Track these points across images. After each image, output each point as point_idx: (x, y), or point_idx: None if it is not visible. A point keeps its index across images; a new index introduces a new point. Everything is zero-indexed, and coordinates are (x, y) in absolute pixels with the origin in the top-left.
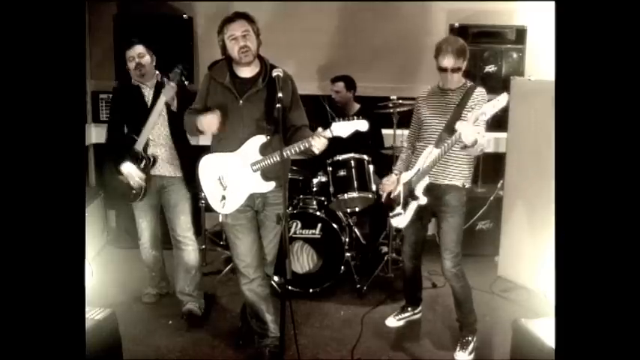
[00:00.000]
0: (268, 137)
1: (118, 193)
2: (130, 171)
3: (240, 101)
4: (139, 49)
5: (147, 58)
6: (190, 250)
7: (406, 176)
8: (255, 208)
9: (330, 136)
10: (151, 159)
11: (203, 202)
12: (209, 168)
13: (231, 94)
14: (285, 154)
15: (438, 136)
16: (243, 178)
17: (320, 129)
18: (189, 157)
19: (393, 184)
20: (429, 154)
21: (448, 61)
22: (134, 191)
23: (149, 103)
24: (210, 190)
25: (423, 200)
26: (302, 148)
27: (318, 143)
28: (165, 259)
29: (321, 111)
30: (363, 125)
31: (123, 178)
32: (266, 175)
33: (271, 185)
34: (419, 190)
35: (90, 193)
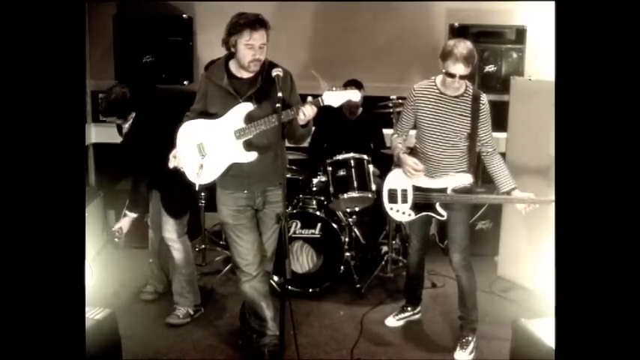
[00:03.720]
0: (255, 106)
1: None
2: None
3: (241, 101)
4: (113, 119)
5: (120, 121)
6: (174, 251)
7: (425, 182)
8: (255, 206)
9: (321, 104)
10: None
11: (203, 201)
12: (189, 134)
13: (231, 95)
14: (272, 121)
15: (457, 165)
16: (224, 146)
17: (310, 98)
18: (164, 185)
19: (416, 159)
20: (461, 179)
21: (458, 68)
22: None
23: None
24: (187, 158)
25: (445, 215)
26: (290, 115)
27: (307, 109)
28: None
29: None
30: (355, 95)
31: None
32: (248, 144)
33: (253, 155)
34: (440, 208)
35: (90, 193)
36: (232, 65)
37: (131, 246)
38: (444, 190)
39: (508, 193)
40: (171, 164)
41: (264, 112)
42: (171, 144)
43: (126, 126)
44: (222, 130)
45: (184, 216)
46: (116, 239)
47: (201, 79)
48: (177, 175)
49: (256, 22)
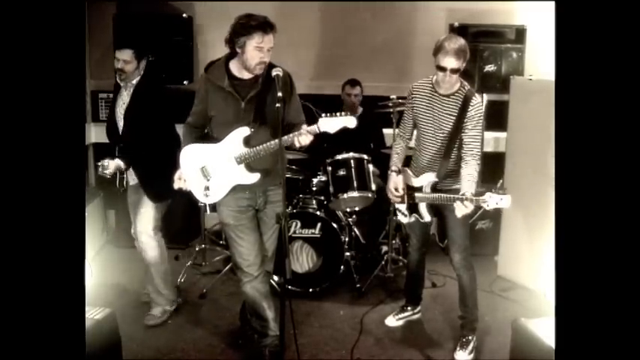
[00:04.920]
0: (252, 130)
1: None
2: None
3: (243, 103)
4: (127, 54)
5: (130, 66)
6: (146, 249)
7: (415, 180)
8: (256, 206)
9: (317, 132)
10: (124, 165)
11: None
12: (191, 158)
13: (233, 97)
14: (271, 147)
15: (438, 165)
16: (227, 169)
17: (305, 126)
18: (146, 163)
19: (400, 183)
20: (429, 177)
21: (448, 61)
22: (117, 185)
23: (121, 106)
24: (193, 180)
25: (428, 219)
26: (288, 142)
27: (303, 139)
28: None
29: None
30: (351, 122)
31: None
32: (251, 166)
33: (256, 177)
34: (423, 210)
35: (90, 193)
36: (233, 66)
37: (131, 246)
38: (419, 189)
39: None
40: (177, 186)
41: (266, 113)
42: (166, 133)
43: (125, 95)
44: (223, 154)
45: (162, 205)
46: (101, 171)
47: (201, 81)
48: (163, 162)
49: (267, 25)
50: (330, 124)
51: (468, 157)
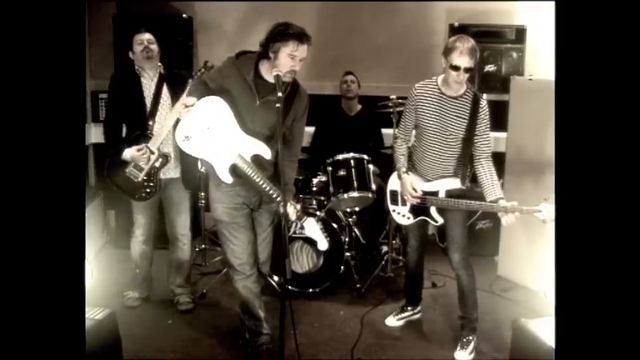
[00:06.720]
0: (269, 158)
1: (129, 190)
2: (133, 155)
3: (257, 102)
4: (149, 35)
5: (155, 46)
6: (186, 249)
7: (420, 185)
8: (251, 206)
9: (300, 221)
10: (167, 157)
11: (203, 201)
12: (212, 110)
13: (251, 92)
14: (260, 184)
15: (450, 170)
16: (218, 153)
17: (298, 206)
18: (189, 159)
19: (416, 184)
20: (451, 183)
21: (463, 60)
22: (147, 190)
23: (149, 96)
24: (190, 121)
25: (441, 220)
26: (274, 198)
27: (291, 210)
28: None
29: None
30: (322, 245)
31: (132, 177)
32: (235, 172)
33: (229, 179)
34: (435, 212)
35: (90, 193)
36: (262, 66)
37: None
38: (435, 194)
39: (494, 201)
40: (179, 105)
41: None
42: None
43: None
44: (231, 145)
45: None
46: (142, 166)
47: (227, 63)
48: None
49: (304, 36)
50: (312, 229)
51: (484, 160)
